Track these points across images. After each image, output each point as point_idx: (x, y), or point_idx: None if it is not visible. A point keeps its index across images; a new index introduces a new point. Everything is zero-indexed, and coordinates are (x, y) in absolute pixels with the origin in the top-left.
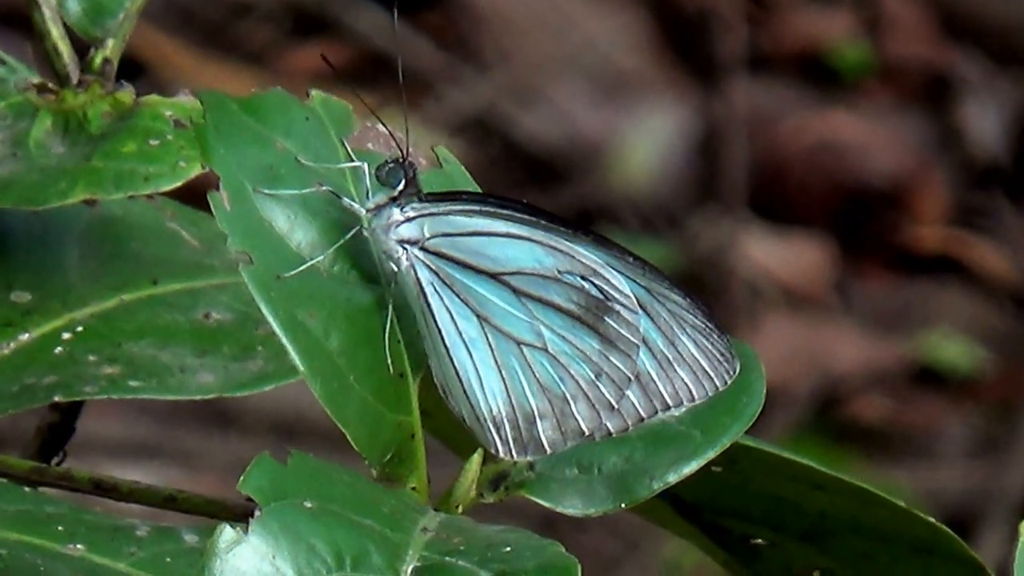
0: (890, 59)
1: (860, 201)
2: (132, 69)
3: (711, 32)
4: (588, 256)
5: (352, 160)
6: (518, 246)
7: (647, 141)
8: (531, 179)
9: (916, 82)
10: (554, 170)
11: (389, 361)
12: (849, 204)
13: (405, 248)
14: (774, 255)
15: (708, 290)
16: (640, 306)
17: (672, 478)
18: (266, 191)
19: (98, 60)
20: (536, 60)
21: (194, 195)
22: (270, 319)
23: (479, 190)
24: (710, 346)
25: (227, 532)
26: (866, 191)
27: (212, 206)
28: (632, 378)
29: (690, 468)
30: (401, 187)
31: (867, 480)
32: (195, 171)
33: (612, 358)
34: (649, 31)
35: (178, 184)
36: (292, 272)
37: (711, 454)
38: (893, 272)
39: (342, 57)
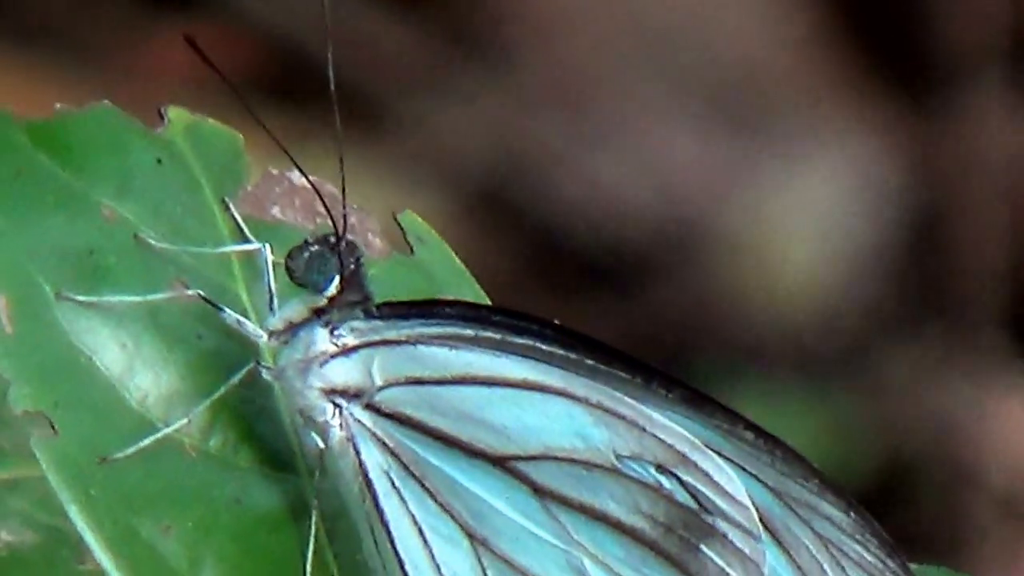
0: None
1: None
2: None
3: (934, 13)
4: (672, 428)
5: (246, 239)
6: (544, 405)
7: (809, 210)
8: (581, 280)
9: None
10: (627, 263)
11: None
12: None
13: (339, 405)
14: None
15: (924, 490)
16: (764, 526)
17: None
18: (81, 297)
19: None
20: (601, 61)
21: None
22: (88, 538)
23: (480, 298)
24: None
25: None
26: None
27: None
28: None
29: None
30: (333, 290)
31: None
32: None
33: None
34: (815, 9)
35: None
36: (130, 450)
37: None
38: None
39: (241, 52)
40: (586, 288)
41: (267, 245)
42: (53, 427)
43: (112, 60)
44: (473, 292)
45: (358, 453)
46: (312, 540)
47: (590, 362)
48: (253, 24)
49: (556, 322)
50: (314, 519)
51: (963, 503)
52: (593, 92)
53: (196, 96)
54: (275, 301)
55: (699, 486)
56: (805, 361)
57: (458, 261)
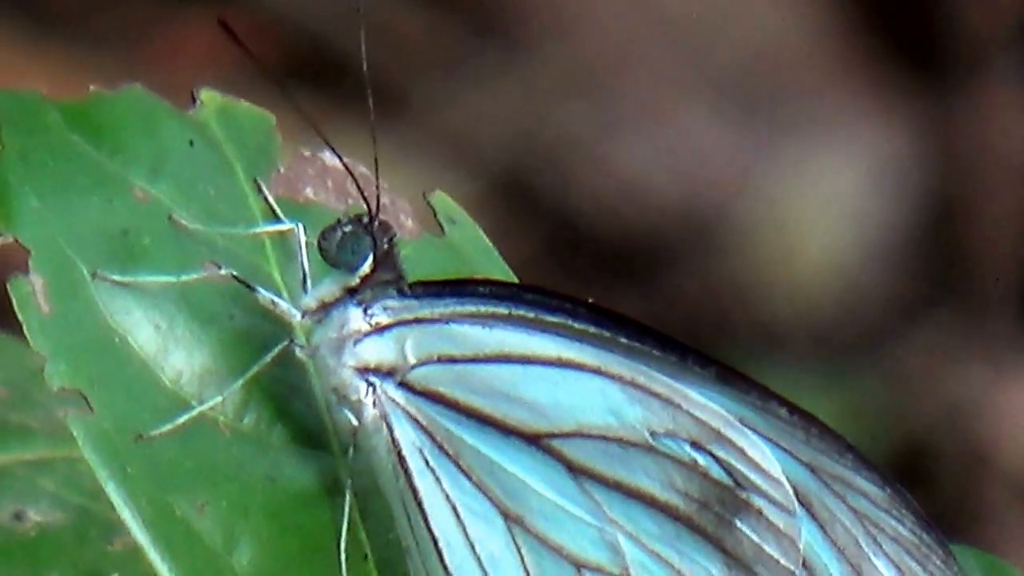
0: None
1: None
2: None
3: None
4: (707, 405)
5: (278, 219)
6: (578, 383)
7: (826, 196)
8: (600, 265)
9: None
10: (646, 249)
11: None
12: None
13: (372, 383)
14: None
15: (940, 474)
16: (799, 502)
17: None
18: (116, 277)
19: None
20: (620, 48)
21: None
22: (125, 515)
23: (509, 278)
24: None
25: None
26: None
27: (16, 305)
28: None
29: None
30: (366, 270)
31: None
32: None
33: None
34: None
35: None
36: (165, 428)
37: None
38: None
39: (264, 38)
40: (605, 273)
41: (300, 225)
42: (89, 404)
43: (138, 46)
44: (503, 272)
45: (391, 431)
46: (346, 518)
47: (624, 340)
48: (276, 10)
49: (590, 300)
50: (348, 497)
51: (978, 485)
52: (613, 78)
53: (222, 81)
54: (308, 281)
55: (734, 462)
56: (823, 345)
57: (488, 241)
